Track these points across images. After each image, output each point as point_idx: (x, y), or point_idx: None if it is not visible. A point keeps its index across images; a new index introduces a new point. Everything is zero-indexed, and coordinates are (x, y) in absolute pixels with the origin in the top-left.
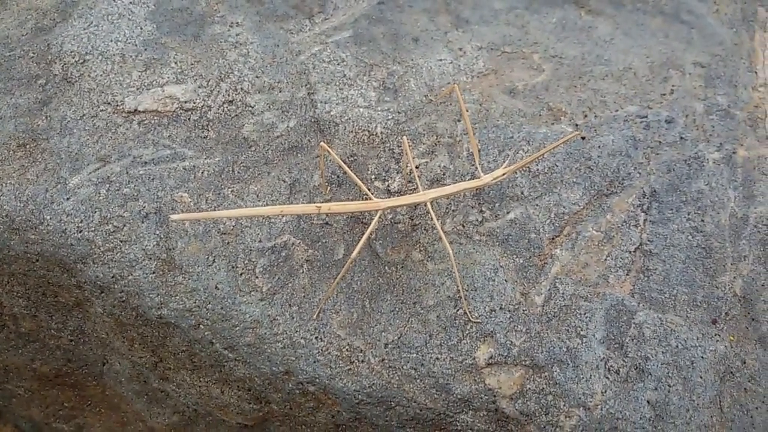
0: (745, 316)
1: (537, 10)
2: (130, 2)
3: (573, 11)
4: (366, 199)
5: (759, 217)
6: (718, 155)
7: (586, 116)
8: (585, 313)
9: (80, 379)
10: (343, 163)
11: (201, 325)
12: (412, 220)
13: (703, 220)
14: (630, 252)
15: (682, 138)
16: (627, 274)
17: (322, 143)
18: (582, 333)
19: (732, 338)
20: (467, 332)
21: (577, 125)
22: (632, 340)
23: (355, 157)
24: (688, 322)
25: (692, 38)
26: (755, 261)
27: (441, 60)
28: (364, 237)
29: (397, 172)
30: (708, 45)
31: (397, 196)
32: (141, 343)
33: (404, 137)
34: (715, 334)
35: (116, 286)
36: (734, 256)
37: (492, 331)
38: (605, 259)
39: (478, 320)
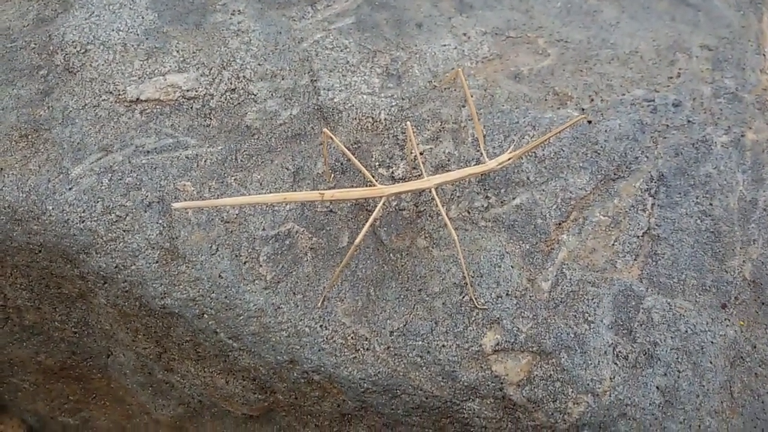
0: (755, 300)
1: None
2: None
3: None
4: (370, 185)
5: None
6: (726, 138)
7: (592, 100)
8: (593, 299)
9: (85, 371)
10: (346, 150)
11: (205, 315)
12: (417, 206)
13: (711, 204)
14: (638, 237)
15: (689, 121)
16: (635, 259)
17: (325, 130)
18: (590, 319)
19: (742, 323)
20: (473, 319)
21: (583, 109)
22: (641, 325)
23: (359, 144)
24: (697, 306)
25: (699, 21)
26: (765, 245)
27: (445, 45)
28: (368, 224)
29: (402, 159)
30: (715, 27)
31: (402, 182)
32: (145, 334)
33: (408, 123)
34: (725, 319)
35: (119, 276)
36: (743, 240)
37: (498, 318)
38: (613, 244)
39: (485, 307)
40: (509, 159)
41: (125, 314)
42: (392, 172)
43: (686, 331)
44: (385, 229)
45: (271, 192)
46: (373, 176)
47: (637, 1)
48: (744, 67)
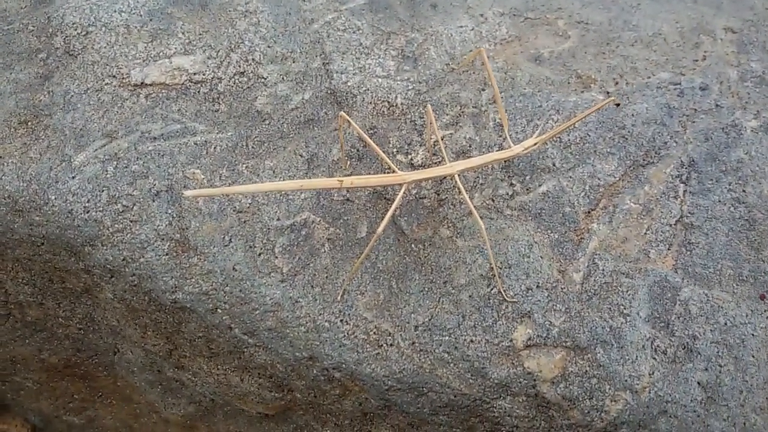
0: None
1: None
2: None
3: None
4: (390, 172)
5: None
6: (756, 123)
7: (617, 83)
8: (627, 291)
9: (90, 369)
10: (364, 135)
11: (218, 309)
12: (438, 194)
13: (744, 191)
14: (671, 225)
15: (717, 105)
16: (668, 249)
17: (342, 113)
18: (625, 311)
19: None
20: (503, 312)
21: (608, 93)
22: (678, 317)
23: (375, 130)
24: (735, 297)
25: (722, 3)
26: None
27: (462, 27)
28: (389, 213)
29: (420, 145)
30: (738, 10)
31: (423, 169)
32: (154, 330)
33: (428, 106)
34: (765, 310)
35: (127, 270)
36: None
37: (529, 311)
38: (645, 233)
39: (514, 299)
40: (535, 144)
41: (133, 309)
42: (411, 159)
43: (725, 324)
44: (406, 218)
45: (284, 179)
46: (392, 163)
47: None
48: None
